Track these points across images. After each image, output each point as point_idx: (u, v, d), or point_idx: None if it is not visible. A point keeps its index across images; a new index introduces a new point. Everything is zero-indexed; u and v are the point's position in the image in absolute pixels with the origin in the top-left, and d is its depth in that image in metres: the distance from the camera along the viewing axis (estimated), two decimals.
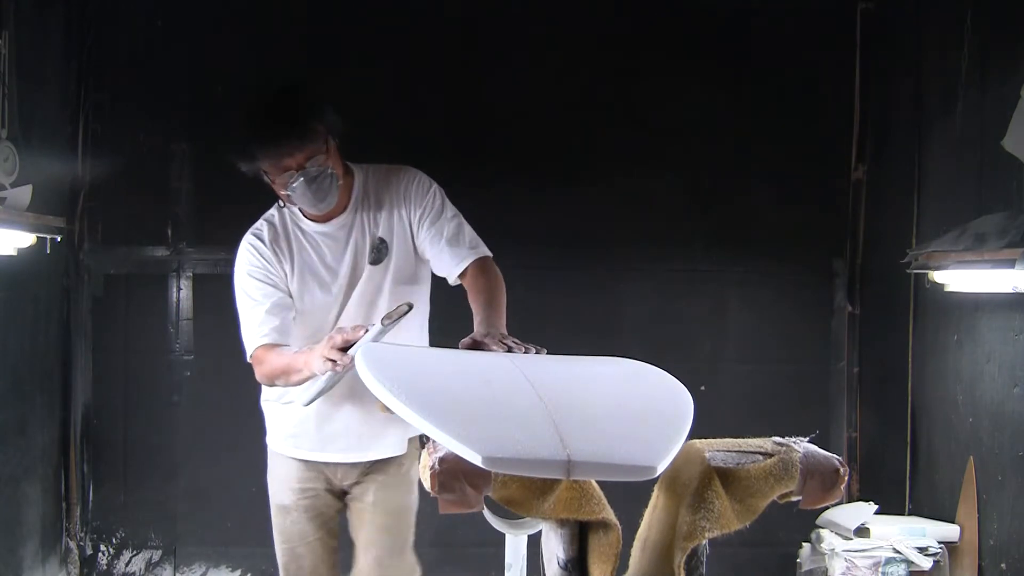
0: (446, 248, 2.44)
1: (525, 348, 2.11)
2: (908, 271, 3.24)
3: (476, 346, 2.12)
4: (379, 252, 2.46)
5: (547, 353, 2.17)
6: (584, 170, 3.86)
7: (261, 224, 2.53)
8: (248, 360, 2.43)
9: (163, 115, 3.80)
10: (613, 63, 3.88)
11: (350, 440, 2.52)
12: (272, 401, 2.61)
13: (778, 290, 3.95)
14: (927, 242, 3.17)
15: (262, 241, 2.48)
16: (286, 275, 2.46)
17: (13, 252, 3.09)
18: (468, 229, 2.49)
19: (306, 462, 2.57)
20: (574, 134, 3.84)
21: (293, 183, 2.31)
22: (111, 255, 3.82)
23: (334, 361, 2.06)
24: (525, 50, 3.83)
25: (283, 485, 2.61)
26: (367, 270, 2.45)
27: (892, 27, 3.79)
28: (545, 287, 3.87)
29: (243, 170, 2.38)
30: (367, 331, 2.08)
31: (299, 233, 2.48)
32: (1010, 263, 2.52)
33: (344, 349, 2.06)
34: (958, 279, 2.92)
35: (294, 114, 2.30)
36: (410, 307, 2.11)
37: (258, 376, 2.42)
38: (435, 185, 2.50)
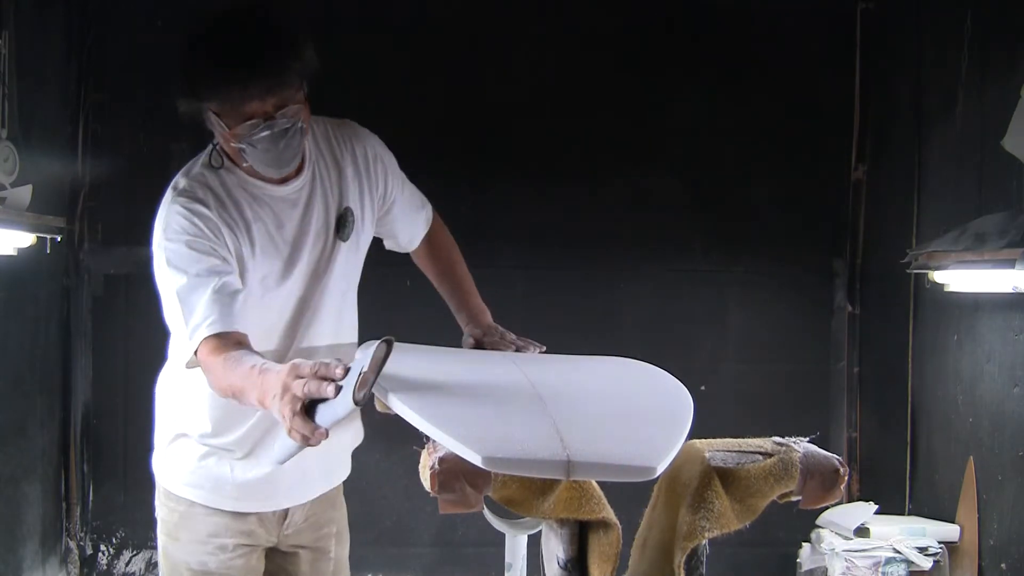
0: (412, 216, 2.13)
1: (531, 346, 2.06)
2: (908, 271, 3.24)
3: (480, 347, 2.09)
4: (347, 225, 1.96)
5: (546, 352, 2.17)
6: (584, 170, 3.86)
7: (191, 185, 1.91)
8: (187, 366, 1.76)
9: (163, 115, 3.78)
10: (613, 63, 3.88)
11: (296, 477, 1.99)
12: (196, 438, 1.97)
13: (778, 290, 3.95)
14: (927, 242, 3.17)
15: (205, 206, 1.85)
16: (239, 253, 1.85)
17: (13, 252, 3.09)
18: (411, 186, 2.14)
19: (236, 514, 1.98)
20: (574, 134, 3.84)
21: (255, 136, 1.77)
22: (111, 255, 3.82)
23: (304, 436, 1.43)
24: (525, 50, 3.83)
25: (205, 543, 1.98)
26: (340, 248, 1.95)
27: (892, 27, 3.79)
28: (545, 287, 3.87)
29: (180, 110, 1.88)
30: (346, 375, 1.40)
31: (250, 199, 1.89)
32: (1010, 263, 2.52)
33: (310, 405, 1.42)
34: (958, 279, 2.92)
35: (271, 44, 1.75)
36: (390, 344, 1.40)
37: (210, 385, 1.73)
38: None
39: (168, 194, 1.93)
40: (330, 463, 2.09)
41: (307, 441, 1.43)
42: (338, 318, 2.01)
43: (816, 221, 3.95)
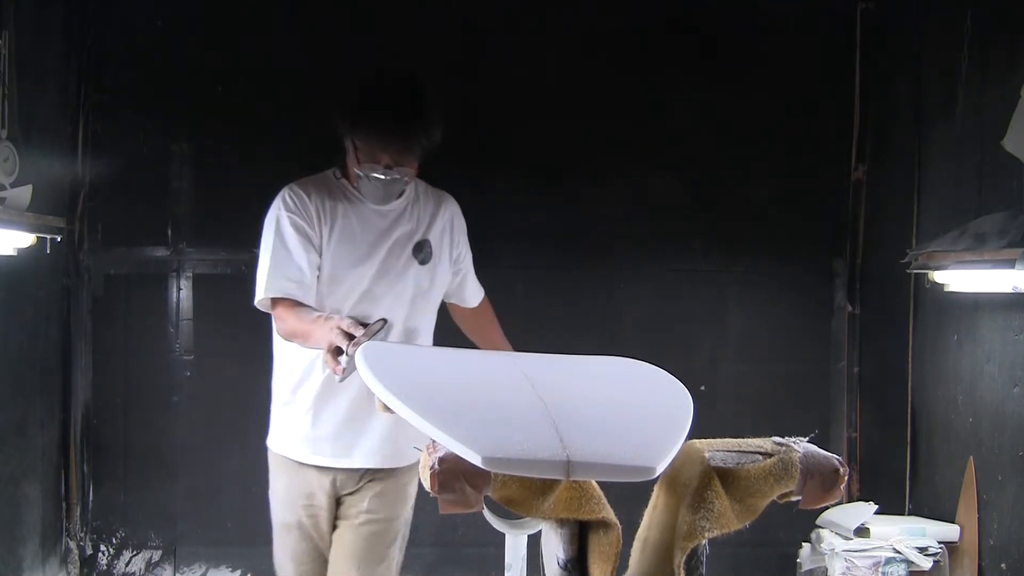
0: (473, 283, 2.75)
1: None
2: (908, 271, 3.24)
3: None
4: (426, 254, 2.52)
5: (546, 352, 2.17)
6: (584, 170, 3.86)
7: (307, 180, 2.51)
8: (255, 303, 2.42)
9: (163, 115, 3.80)
10: (613, 63, 3.88)
11: (374, 443, 2.49)
12: (285, 405, 2.56)
13: (778, 290, 3.96)
14: (927, 242, 3.17)
15: (307, 194, 2.45)
16: (323, 236, 2.43)
17: (13, 252, 3.09)
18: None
19: (319, 469, 2.51)
20: (574, 134, 3.84)
21: (371, 174, 2.35)
22: (111, 255, 3.82)
23: (336, 358, 2.08)
24: (525, 50, 3.83)
25: (289, 500, 2.56)
26: (416, 270, 2.50)
27: (892, 27, 3.79)
28: (545, 287, 3.88)
29: (334, 125, 2.40)
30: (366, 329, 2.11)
31: (346, 202, 2.47)
32: (1010, 263, 2.52)
33: (349, 337, 2.06)
34: (958, 279, 2.92)
35: (416, 125, 2.31)
36: (384, 322, 2.16)
37: (278, 330, 2.43)
38: None
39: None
40: (392, 444, 2.48)
41: (334, 371, 2.08)
42: (403, 324, 2.49)
43: (816, 221, 3.95)
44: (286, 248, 2.39)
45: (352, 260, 2.44)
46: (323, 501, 2.53)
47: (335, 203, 2.46)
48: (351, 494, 2.53)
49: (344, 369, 2.06)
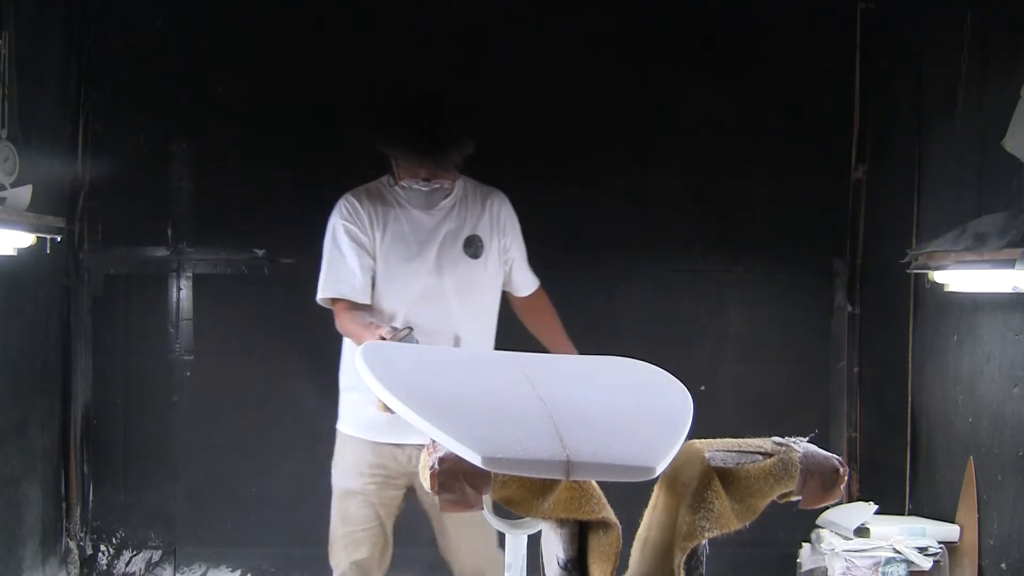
0: (524, 272, 2.97)
1: None
2: (908, 271, 3.24)
3: None
4: (476, 248, 2.80)
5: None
6: (584, 170, 3.86)
7: (361, 189, 2.82)
8: (318, 300, 2.78)
9: (163, 115, 3.80)
10: (613, 63, 3.88)
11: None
12: (351, 390, 2.81)
13: (778, 290, 3.95)
14: (927, 242, 3.17)
15: (359, 203, 2.77)
16: (375, 239, 2.74)
17: (13, 252, 3.09)
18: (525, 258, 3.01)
19: (379, 445, 2.75)
20: (574, 134, 3.84)
21: (412, 186, 2.70)
22: (111, 255, 3.82)
23: None
24: (525, 50, 3.83)
25: (352, 469, 2.79)
26: (466, 262, 2.78)
27: (892, 27, 3.79)
28: (545, 287, 3.86)
29: (376, 142, 2.69)
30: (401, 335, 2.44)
31: (397, 206, 2.78)
32: (1010, 263, 2.51)
33: None
34: (958, 279, 2.92)
35: (443, 141, 2.64)
36: (411, 330, 2.48)
37: (337, 326, 2.76)
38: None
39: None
40: None
41: None
42: (461, 314, 2.76)
43: (816, 221, 3.94)
44: (341, 254, 2.74)
45: (404, 257, 2.74)
46: (395, 469, 2.76)
47: (387, 208, 2.77)
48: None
49: None
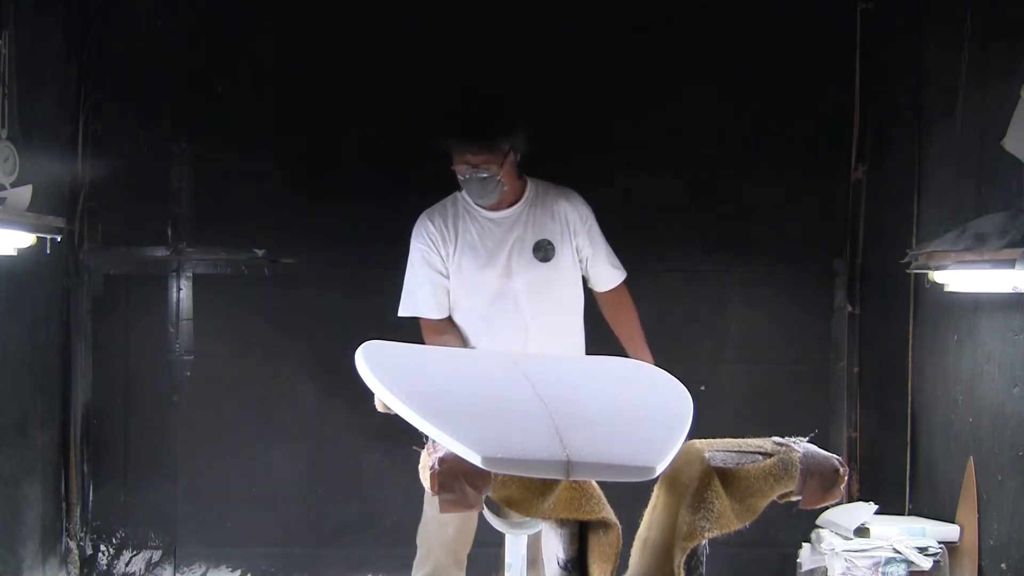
0: (604, 268, 3.09)
1: None
2: (908, 271, 3.24)
3: None
4: (546, 252, 2.95)
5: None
6: (584, 170, 3.85)
7: (435, 207, 3.02)
8: (400, 314, 3.01)
9: (163, 115, 3.80)
10: (613, 63, 3.88)
11: None
12: None
13: (778, 290, 3.95)
14: (927, 242, 3.17)
15: (431, 222, 2.98)
16: (448, 254, 2.95)
17: (13, 252, 3.09)
18: (611, 250, 3.11)
19: None
20: (574, 134, 3.83)
21: (463, 176, 2.84)
22: (111, 255, 3.82)
23: None
24: (525, 50, 3.82)
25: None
26: (536, 266, 2.93)
27: (892, 27, 3.79)
28: None
29: (436, 140, 2.84)
30: None
31: (467, 216, 2.98)
32: (1010, 263, 2.51)
33: None
34: (958, 279, 2.92)
35: (484, 125, 2.80)
36: None
37: (424, 339, 2.97)
38: (589, 208, 3.06)
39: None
40: None
41: None
42: (534, 314, 2.93)
43: (816, 221, 3.94)
44: (415, 274, 2.97)
45: (476, 265, 2.93)
46: None
47: (457, 220, 2.97)
48: None
49: None
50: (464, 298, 2.98)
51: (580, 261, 3.05)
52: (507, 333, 2.94)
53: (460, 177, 2.87)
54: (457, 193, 3.01)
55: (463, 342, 2.99)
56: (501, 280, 2.94)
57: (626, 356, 2.98)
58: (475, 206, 2.97)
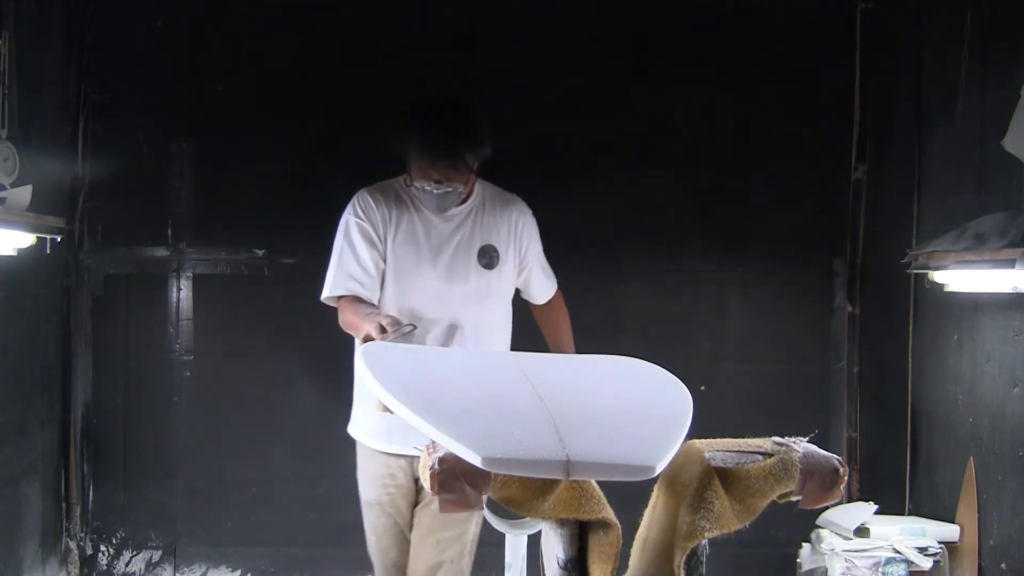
0: (542, 280, 2.92)
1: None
2: (908, 271, 3.24)
3: None
4: (491, 258, 2.74)
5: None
6: (584, 170, 3.86)
7: (377, 186, 2.76)
8: (322, 298, 2.71)
9: (163, 115, 3.80)
10: (613, 63, 3.88)
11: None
12: (362, 398, 2.77)
13: (778, 290, 3.95)
14: (927, 242, 3.17)
15: (372, 199, 2.72)
16: (387, 239, 2.69)
17: (13, 252, 3.09)
18: (546, 264, 2.95)
19: (390, 455, 2.73)
20: (574, 134, 3.84)
21: (424, 186, 2.60)
22: (111, 255, 3.82)
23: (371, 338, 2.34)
24: (525, 50, 3.83)
25: (371, 480, 2.78)
26: (479, 272, 2.72)
27: (892, 27, 3.79)
28: None
29: (390, 144, 2.62)
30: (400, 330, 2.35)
31: (411, 206, 2.73)
32: (1010, 263, 2.51)
33: (383, 331, 2.33)
34: (958, 279, 2.92)
35: (457, 145, 2.54)
36: (414, 328, 2.42)
37: (339, 321, 2.68)
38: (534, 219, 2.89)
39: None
40: None
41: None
42: (474, 322, 2.70)
43: (816, 221, 3.94)
44: (353, 250, 2.67)
45: (415, 262, 2.69)
46: (403, 481, 2.75)
47: (401, 209, 2.71)
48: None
49: None
50: (395, 298, 2.70)
51: (521, 271, 2.85)
52: (434, 340, 2.69)
53: (417, 186, 2.62)
54: (401, 178, 2.75)
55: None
56: (439, 283, 2.69)
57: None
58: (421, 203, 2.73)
